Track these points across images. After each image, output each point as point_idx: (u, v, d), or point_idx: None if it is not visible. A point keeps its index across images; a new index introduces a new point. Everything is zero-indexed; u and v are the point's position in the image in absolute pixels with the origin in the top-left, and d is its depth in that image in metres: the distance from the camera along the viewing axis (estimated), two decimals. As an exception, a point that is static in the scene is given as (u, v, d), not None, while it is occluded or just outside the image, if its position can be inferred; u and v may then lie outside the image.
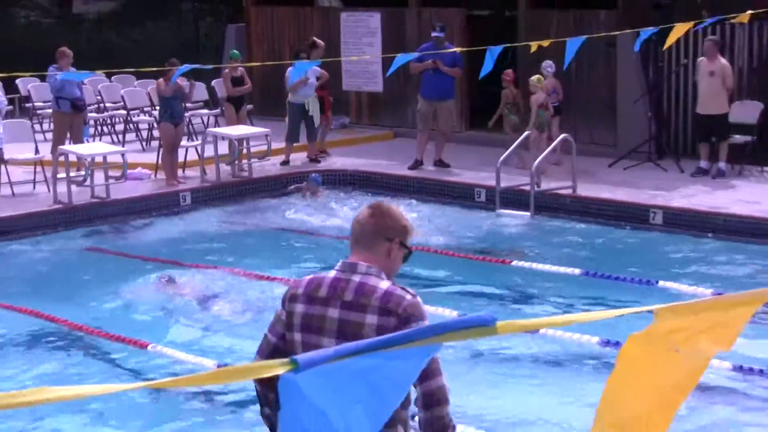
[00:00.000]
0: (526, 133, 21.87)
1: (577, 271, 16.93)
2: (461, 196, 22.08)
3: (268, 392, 6.19)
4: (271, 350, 6.17)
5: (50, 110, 24.51)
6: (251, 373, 3.48)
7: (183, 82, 21.60)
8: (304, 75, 22.99)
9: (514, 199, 21.04)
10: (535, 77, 22.70)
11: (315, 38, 24.69)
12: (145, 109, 26.35)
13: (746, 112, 22.65)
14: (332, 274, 6.20)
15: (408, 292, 6.06)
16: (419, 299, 6.02)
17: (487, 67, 17.57)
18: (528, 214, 20.74)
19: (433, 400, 5.98)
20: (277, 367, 3.34)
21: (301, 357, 3.33)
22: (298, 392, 3.46)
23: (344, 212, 21.24)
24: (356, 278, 6.12)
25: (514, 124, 23.10)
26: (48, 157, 22.40)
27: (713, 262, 17.20)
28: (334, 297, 6.10)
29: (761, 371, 11.19)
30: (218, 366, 12.15)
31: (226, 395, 12.17)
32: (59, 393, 3.18)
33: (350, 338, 5.73)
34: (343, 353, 3.34)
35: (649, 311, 3.46)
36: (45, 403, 3.25)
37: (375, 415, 3.57)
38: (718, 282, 15.71)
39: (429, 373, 5.88)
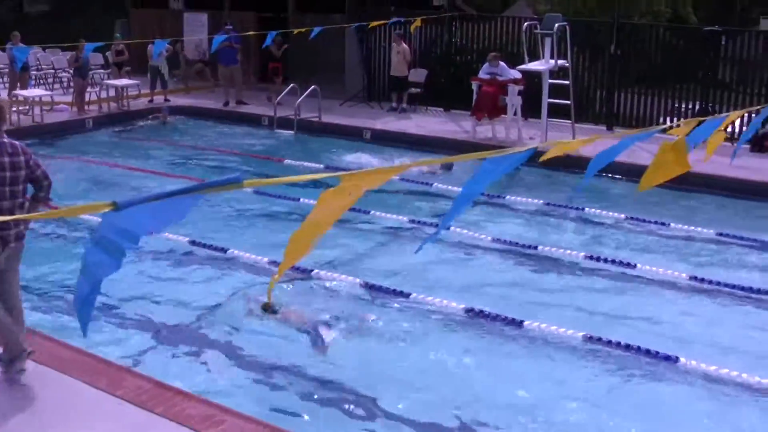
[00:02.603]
0: (291, 85, 21.65)
1: (321, 165, 16.76)
2: (253, 121, 21.46)
3: None
4: None
5: (7, 70, 23.42)
6: (82, 211, 3.13)
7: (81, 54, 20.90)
8: (163, 49, 22.44)
9: (285, 123, 20.60)
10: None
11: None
12: (66, 69, 25.24)
13: (418, 75, 22.57)
14: None
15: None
16: None
17: (267, 43, 18.42)
18: (293, 132, 20.43)
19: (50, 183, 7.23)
20: (102, 207, 3.02)
21: (120, 201, 3.01)
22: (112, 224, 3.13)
23: (183, 130, 20.88)
24: (6, 140, 7.02)
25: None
26: (6, 98, 21.40)
27: (397, 158, 17.17)
28: (3, 152, 6.92)
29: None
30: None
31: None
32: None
33: (16, 170, 6.96)
34: (144, 199, 3.04)
35: (339, 177, 3.36)
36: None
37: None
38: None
39: (48, 174, 7.26)
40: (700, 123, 6.17)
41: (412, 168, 15.01)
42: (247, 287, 10.22)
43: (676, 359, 8.32)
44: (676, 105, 20.10)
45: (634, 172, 15.09)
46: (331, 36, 22.50)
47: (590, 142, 4.61)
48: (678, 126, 5.81)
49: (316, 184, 12.18)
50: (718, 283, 10.60)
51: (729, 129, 14.44)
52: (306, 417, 7.41)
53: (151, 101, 23.38)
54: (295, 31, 20.92)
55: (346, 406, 7.61)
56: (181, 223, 12.53)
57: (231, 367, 8.33)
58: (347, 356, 8.52)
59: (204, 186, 3.09)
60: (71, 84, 23.33)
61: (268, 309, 9.35)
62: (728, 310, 10.06)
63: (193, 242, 11.76)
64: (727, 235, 12.66)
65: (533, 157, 4.51)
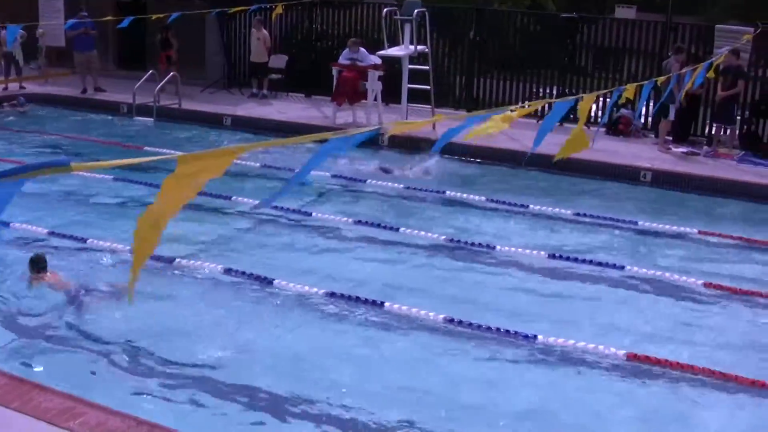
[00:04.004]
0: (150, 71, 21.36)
1: (179, 153, 16.49)
2: (112, 109, 20.99)
3: None
4: None
5: None
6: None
7: None
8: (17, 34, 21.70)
9: (145, 110, 20.22)
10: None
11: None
12: None
13: (279, 61, 22.55)
14: None
15: None
16: None
17: (123, 24, 19.33)
18: (152, 119, 20.10)
19: None
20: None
21: None
22: None
23: (40, 118, 20.37)
24: None
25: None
26: None
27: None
28: None
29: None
30: None
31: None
32: None
33: None
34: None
35: (175, 158, 3.40)
36: None
37: None
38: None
39: None
40: (549, 104, 6.46)
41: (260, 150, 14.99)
42: (109, 277, 10.03)
43: (534, 337, 8.58)
44: (535, 90, 20.59)
45: (492, 156, 15.58)
46: (191, 22, 22.24)
47: (429, 123, 4.75)
48: (523, 107, 6.06)
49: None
50: (575, 260, 10.98)
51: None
52: (170, 407, 7.34)
53: (5, 89, 22.63)
54: (153, 16, 20.59)
55: (213, 394, 7.58)
56: (39, 213, 12.24)
57: (90, 358, 8.19)
58: (212, 344, 8.47)
59: (30, 168, 3.03)
60: None
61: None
62: (584, 286, 10.39)
63: (51, 233, 11.49)
64: (584, 215, 13.13)
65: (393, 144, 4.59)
